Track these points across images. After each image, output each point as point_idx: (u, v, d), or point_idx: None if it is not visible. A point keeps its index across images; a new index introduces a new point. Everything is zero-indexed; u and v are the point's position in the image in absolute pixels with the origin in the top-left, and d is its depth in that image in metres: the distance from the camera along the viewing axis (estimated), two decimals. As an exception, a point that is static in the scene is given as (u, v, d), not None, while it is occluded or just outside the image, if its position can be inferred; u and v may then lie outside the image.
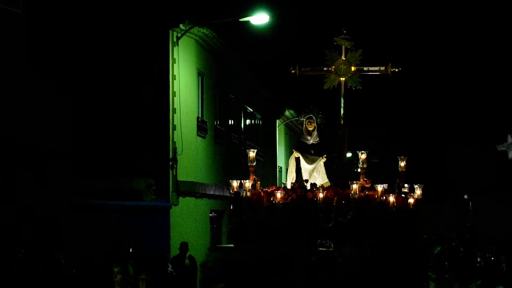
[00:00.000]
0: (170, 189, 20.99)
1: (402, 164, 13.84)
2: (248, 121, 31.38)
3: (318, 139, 14.51)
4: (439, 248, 19.49)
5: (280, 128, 37.73)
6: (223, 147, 26.46)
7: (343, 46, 14.57)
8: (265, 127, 34.74)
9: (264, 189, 13.37)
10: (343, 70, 14.49)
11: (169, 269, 16.66)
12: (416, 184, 13.58)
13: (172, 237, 20.57)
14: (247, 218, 13.02)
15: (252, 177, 13.57)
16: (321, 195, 12.66)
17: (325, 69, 14.67)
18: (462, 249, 20.46)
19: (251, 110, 31.74)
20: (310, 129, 14.57)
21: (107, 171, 19.96)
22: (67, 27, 19.24)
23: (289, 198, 13.01)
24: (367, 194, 12.90)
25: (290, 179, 14.29)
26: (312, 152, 14.37)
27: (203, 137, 24.07)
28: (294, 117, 37.05)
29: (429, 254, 16.59)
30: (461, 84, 57.34)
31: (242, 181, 13.25)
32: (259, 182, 13.67)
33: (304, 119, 14.65)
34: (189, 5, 22.55)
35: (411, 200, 13.27)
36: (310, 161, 14.24)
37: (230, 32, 25.98)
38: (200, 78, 24.36)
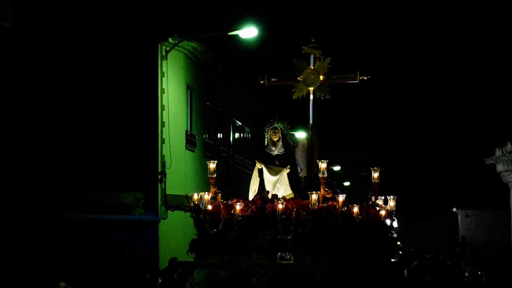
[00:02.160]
0: (159, 203, 20.94)
1: (376, 175, 13.43)
2: (237, 135, 31.37)
3: (283, 149, 14.11)
4: (416, 262, 19.27)
5: (269, 142, 37.68)
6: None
7: (312, 55, 14.37)
8: (254, 140, 34.74)
9: (224, 202, 13.12)
10: (312, 80, 14.29)
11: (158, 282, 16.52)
12: (390, 195, 13.30)
13: (161, 250, 20.50)
14: (207, 232, 12.78)
15: (213, 189, 13.39)
16: (280, 206, 12.36)
17: (293, 79, 14.46)
18: (449, 263, 20.41)
19: (240, 123, 31.74)
20: (275, 139, 14.17)
21: (96, 185, 19.90)
22: (57, 41, 19.24)
23: (249, 210, 12.73)
24: (327, 205, 12.56)
25: (252, 192, 13.88)
26: (277, 163, 13.97)
27: (192, 151, 24.04)
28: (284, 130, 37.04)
29: (403, 269, 16.04)
30: (447, 98, 57.51)
31: (201, 193, 13.06)
32: (220, 195, 13.44)
33: (269, 130, 14.27)
34: (178, 19, 22.58)
35: (382, 212, 12.97)
36: (274, 172, 13.83)
37: (219, 46, 26.02)
38: (189, 91, 24.35)
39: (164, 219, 21.15)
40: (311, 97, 14.34)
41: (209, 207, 12.87)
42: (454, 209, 38.82)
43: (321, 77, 14.28)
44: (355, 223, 12.34)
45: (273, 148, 14.17)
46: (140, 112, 21.02)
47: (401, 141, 58.61)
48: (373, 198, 13.25)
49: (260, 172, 13.92)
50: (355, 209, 12.35)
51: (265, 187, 13.72)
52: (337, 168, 50.07)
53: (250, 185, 14.06)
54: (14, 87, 16.29)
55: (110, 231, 18.12)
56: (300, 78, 14.34)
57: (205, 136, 26.16)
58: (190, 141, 23.85)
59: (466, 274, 19.41)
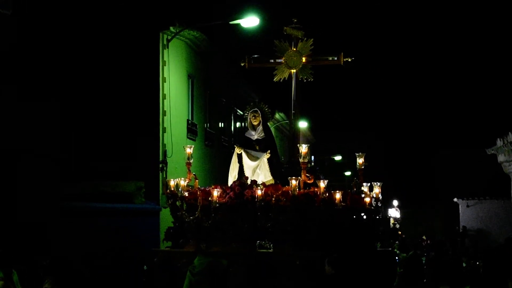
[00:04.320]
0: (160, 192, 20.93)
1: (360, 161, 12.70)
2: (238, 124, 31.35)
3: (263, 134, 13.53)
4: (412, 252, 18.92)
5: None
6: (213, 150, 26.42)
7: (293, 36, 13.80)
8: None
9: (201, 188, 12.62)
10: (294, 62, 13.72)
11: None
12: (375, 182, 12.65)
13: (162, 239, 20.48)
14: (183, 219, 12.35)
15: (190, 175, 12.92)
16: (259, 192, 11.83)
17: (275, 61, 13.91)
18: (450, 253, 20.34)
19: (241, 112, 31.69)
20: (255, 123, 13.58)
21: (97, 174, 19.89)
22: (56, 29, 19.16)
23: (227, 196, 12.19)
24: (308, 191, 12.03)
25: (231, 177, 13.29)
26: (257, 148, 13.40)
27: (193, 140, 24.03)
28: (284, 120, 37.02)
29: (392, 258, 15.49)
30: (450, 88, 57.46)
31: (177, 179, 12.58)
32: (197, 181, 12.98)
33: (249, 113, 13.72)
34: (179, 8, 22.52)
35: (367, 199, 12.37)
36: (253, 157, 13.26)
37: (220, 35, 25.98)
38: (190, 80, 24.33)
39: (165, 207, 21.12)
40: (294, 79, 13.78)
41: (186, 193, 12.44)
42: (455, 199, 38.81)
43: (304, 59, 13.72)
44: (337, 210, 11.79)
45: (253, 133, 13.62)
46: (141, 101, 21.01)
47: (400, 131, 58.67)
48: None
49: (240, 157, 13.40)
50: (337, 196, 11.82)
51: (244, 173, 13.18)
52: (338, 158, 50.12)
53: (230, 171, 13.49)
54: (14, 75, 16.20)
55: (111, 220, 18.09)
56: (283, 60, 13.79)
57: (206, 125, 26.15)
58: (191, 130, 23.84)
59: (464, 265, 19.34)
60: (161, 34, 21.54)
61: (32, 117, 16.76)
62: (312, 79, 13.76)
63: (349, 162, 52.32)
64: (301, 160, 12.40)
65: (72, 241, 15.88)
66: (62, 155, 17.61)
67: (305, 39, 13.76)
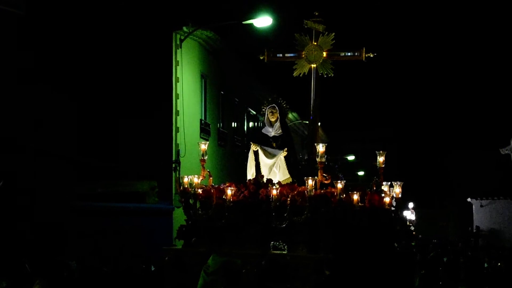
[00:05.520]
0: (173, 191, 20.95)
1: (381, 159, 12.23)
2: (251, 124, 31.35)
3: (280, 131, 12.97)
4: (433, 253, 18.74)
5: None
6: (226, 150, 26.44)
7: (314, 30, 13.25)
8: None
9: (215, 186, 12.21)
10: (314, 56, 13.19)
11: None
12: (396, 181, 12.19)
13: (174, 237, 20.51)
14: (196, 217, 11.98)
15: (204, 172, 12.46)
16: (274, 192, 11.37)
17: (295, 55, 13.36)
18: (469, 253, 20.20)
19: (254, 112, 31.72)
20: (272, 120, 13.01)
21: (110, 174, 19.93)
22: (71, 29, 19.24)
23: (241, 195, 11.75)
24: (325, 191, 11.55)
25: (249, 175, 12.75)
26: (274, 145, 12.84)
27: (206, 140, 24.03)
28: (297, 120, 37.01)
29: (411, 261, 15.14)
30: (464, 88, 57.24)
31: (191, 176, 12.15)
32: (211, 178, 12.55)
33: (266, 109, 13.12)
34: (192, 8, 22.55)
35: (387, 199, 11.88)
36: (270, 154, 12.75)
37: (233, 35, 25.99)
38: (203, 80, 24.35)
39: (178, 207, 21.15)
40: (313, 74, 13.27)
41: (199, 191, 12.07)
42: (469, 199, 38.69)
43: (324, 54, 13.20)
44: (355, 211, 11.33)
45: (270, 129, 13.04)
46: (154, 101, 21.03)
47: (414, 131, 58.51)
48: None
49: (256, 154, 12.87)
50: (355, 196, 11.36)
51: (261, 171, 12.69)
52: (351, 157, 50.07)
53: (247, 169, 12.97)
54: (29, 76, 16.29)
55: (124, 220, 18.13)
56: (303, 54, 13.27)
57: (219, 125, 26.17)
58: (204, 130, 23.86)
59: (486, 265, 19.20)
60: (174, 34, 21.56)
61: (49, 118, 16.86)
62: (332, 75, 13.28)
63: (362, 162, 52.31)
64: (318, 159, 11.89)
65: (86, 241, 15.93)
66: (78, 155, 17.69)
67: (326, 33, 13.28)
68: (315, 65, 13.26)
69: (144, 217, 19.24)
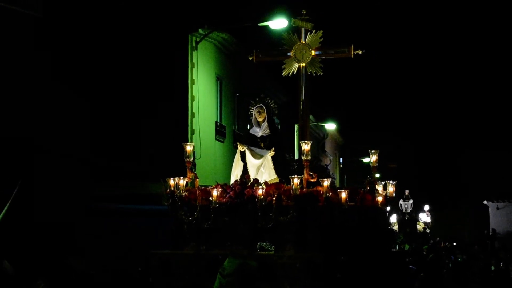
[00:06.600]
0: (188, 193, 20.93)
1: (374, 158, 12.28)
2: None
3: (268, 131, 12.98)
4: (432, 255, 18.67)
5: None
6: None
7: (302, 28, 13.16)
8: (284, 132, 34.65)
9: (201, 187, 12.18)
10: (303, 55, 13.08)
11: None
12: (390, 180, 12.19)
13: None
14: (182, 220, 11.94)
15: (190, 174, 12.49)
16: (260, 191, 11.31)
17: (283, 54, 13.28)
18: (482, 256, 20.13)
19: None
20: (260, 119, 13.07)
21: (124, 175, 19.97)
22: (87, 31, 19.31)
23: (227, 196, 11.74)
24: (311, 190, 11.46)
25: (234, 176, 12.77)
26: (262, 145, 12.83)
27: (222, 142, 24.06)
28: (312, 122, 36.96)
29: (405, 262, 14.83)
30: (476, 87, 57.03)
31: (177, 178, 12.15)
32: (198, 180, 12.56)
33: (254, 109, 13.21)
34: (208, 10, 22.57)
35: (379, 198, 11.83)
36: (257, 155, 12.71)
37: (249, 37, 25.97)
38: (218, 82, 24.37)
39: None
40: (302, 73, 13.16)
41: (185, 193, 12.08)
42: (485, 202, 38.50)
43: (313, 52, 13.06)
44: (344, 210, 11.22)
45: (258, 129, 13.08)
46: (170, 103, 21.06)
47: (426, 134, 58.29)
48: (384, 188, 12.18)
49: (243, 155, 12.90)
50: (343, 195, 11.23)
51: (248, 172, 12.63)
52: (366, 159, 49.85)
53: (232, 170, 13.05)
54: (42, 74, 16.37)
55: (139, 221, 18.15)
56: (291, 53, 13.15)
57: (235, 127, 26.17)
58: (219, 132, 23.87)
59: (492, 268, 19.11)
60: (189, 36, 21.61)
61: (63, 119, 16.92)
62: (321, 73, 13.10)
63: (378, 164, 52.00)
64: (303, 157, 11.81)
65: (99, 242, 15.98)
66: (92, 156, 17.74)
67: (314, 31, 13.15)
68: (303, 64, 13.16)
69: (158, 219, 19.23)
